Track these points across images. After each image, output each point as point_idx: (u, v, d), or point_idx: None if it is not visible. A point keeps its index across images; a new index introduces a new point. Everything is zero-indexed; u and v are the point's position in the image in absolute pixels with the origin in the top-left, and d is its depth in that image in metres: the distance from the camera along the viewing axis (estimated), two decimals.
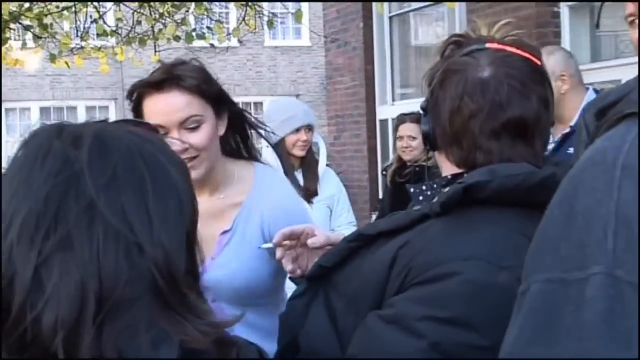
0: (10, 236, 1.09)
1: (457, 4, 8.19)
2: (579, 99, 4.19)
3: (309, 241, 2.02)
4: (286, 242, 2.06)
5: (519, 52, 1.70)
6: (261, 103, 21.69)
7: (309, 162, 4.74)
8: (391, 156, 10.50)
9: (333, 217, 4.91)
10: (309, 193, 4.67)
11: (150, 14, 7.08)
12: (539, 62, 1.73)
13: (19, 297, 1.07)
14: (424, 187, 1.78)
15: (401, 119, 5.91)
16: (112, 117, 20.46)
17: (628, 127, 0.97)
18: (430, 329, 1.51)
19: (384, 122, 10.62)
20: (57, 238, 1.09)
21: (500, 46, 1.71)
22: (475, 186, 1.58)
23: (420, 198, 1.78)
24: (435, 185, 1.76)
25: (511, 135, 1.66)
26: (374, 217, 10.68)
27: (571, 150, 3.81)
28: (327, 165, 5.07)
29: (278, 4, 7.77)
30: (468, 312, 1.51)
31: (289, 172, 4.29)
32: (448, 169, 1.75)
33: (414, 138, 5.63)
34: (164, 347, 1.08)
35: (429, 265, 1.56)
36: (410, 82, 10.77)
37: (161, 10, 7.05)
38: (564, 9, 7.86)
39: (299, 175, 4.70)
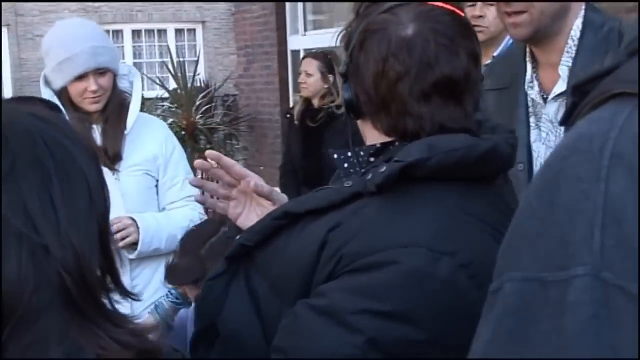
0: None
1: None
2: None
3: (252, 183, 1.84)
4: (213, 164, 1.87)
5: (441, 4, 1.62)
6: (165, 31, 21.31)
7: (110, 113, 3.25)
8: None
9: (160, 189, 3.43)
10: (109, 157, 3.23)
11: None
12: (462, 14, 1.65)
13: None
14: (349, 154, 1.69)
15: (304, 55, 6.11)
16: (5, 45, 19.86)
17: (616, 108, 0.88)
18: (367, 324, 1.43)
19: (295, 52, 10.53)
20: None
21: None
22: (414, 165, 1.49)
23: (346, 165, 1.68)
24: (362, 153, 1.66)
25: (441, 96, 1.58)
26: None
27: None
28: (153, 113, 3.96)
29: None
30: (407, 305, 1.44)
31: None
32: (375, 137, 1.65)
33: (310, 75, 5.68)
34: None
35: (364, 252, 1.48)
36: (323, 10, 10.65)
37: None
38: None
39: (97, 132, 3.27)
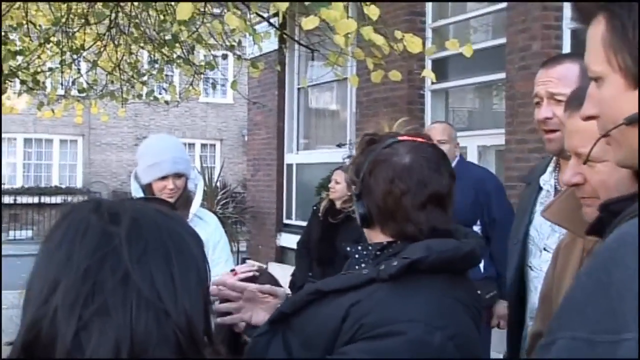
0: (54, 302, 0.94)
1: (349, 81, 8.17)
2: None
3: (254, 288, 1.83)
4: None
5: (424, 141, 1.64)
6: (193, 144, 21.49)
7: (179, 205, 3.18)
8: (294, 192, 10.50)
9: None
10: None
11: (120, 76, 6.86)
12: (438, 146, 1.67)
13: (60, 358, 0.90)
14: (359, 247, 1.66)
15: (337, 167, 5.61)
16: (80, 149, 19.85)
17: None
18: None
19: (290, 165, 10.65)
20: (96, 306, 0.93)
21: (410, 138, 1.63)
22: (418, 261, 1.49)
23: (357, 256, 1.65)
24: (370, 248, 1.64)
25: (433, 205, 1.57)
26: (278, 236, 10.60)
27: None
28: (210, 210, 3.76)
29: (218, 72, 7.61)
30: None
31: None
32: (381, 239, 1.63)
33: (339, 183, 5.31)
34: None
35: (378, 324, 1.45)
36: (310, 136, 10.75)
37: (130, 73, 6.83)
38: (427, 92, 7.92)
39: None
